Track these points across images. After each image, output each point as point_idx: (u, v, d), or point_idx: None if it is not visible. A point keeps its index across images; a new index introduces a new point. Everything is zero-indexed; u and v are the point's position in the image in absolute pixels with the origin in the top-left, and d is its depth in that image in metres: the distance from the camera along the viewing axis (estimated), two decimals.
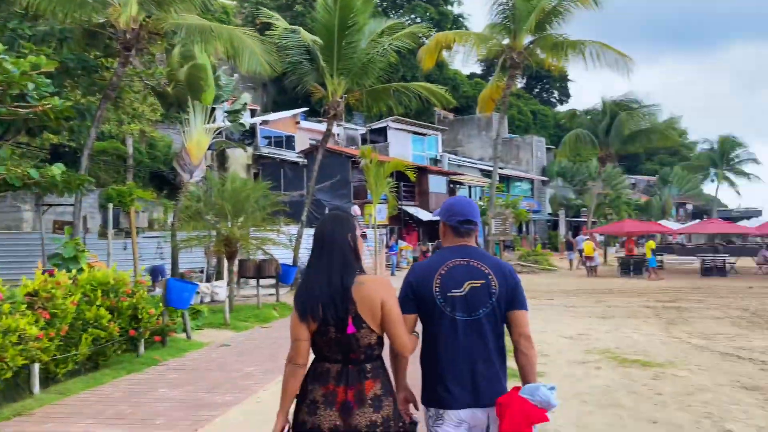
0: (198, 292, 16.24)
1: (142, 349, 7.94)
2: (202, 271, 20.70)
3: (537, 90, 73.25)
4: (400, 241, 29.39)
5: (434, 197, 32.65)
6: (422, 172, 32.67)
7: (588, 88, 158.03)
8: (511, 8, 21.57)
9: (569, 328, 10.67)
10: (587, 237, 27.30)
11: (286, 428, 2.50)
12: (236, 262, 14.76)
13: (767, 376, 6.91)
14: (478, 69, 69.42)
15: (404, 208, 30.80)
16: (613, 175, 47.71)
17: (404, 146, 35.96)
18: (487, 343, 2.59)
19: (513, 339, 2.66)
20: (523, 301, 2.68)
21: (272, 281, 15.96)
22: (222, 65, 20.19)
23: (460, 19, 48.76)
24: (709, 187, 61.68)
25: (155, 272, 14.16)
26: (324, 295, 2.45)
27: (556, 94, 75.47)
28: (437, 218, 32.56)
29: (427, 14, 45.87)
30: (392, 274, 25.00)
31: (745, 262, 27.29)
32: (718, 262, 25.20)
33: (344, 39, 16.45)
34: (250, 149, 33.82)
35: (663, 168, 60.69)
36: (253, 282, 17.85)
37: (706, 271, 24.70)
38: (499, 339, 2.66)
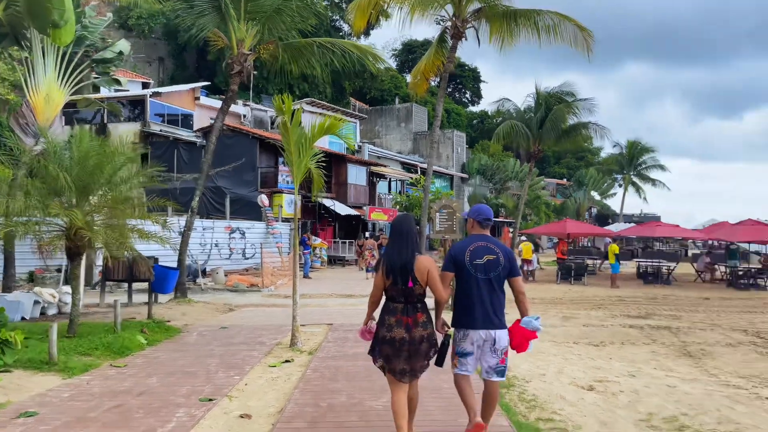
0: (38, 301, 11.81)
1: None
2: (59, 270, 15.99)
3: (450, 89, 71.70)
4: (313, 237, 25.31)
5: (353, 189, 29.15)
6: (340, 161, 29.07)
7: (498, 92, 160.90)
8: None
9: (573, 367, 7.52)
10: (524, 238, 24.84)
11: (372, 323, 4.54)
12: (98, 258, 10.61)
13: None
14: (392, 63, 66.75)
15: (318, 200, 26.98)
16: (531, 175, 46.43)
17: None
18: (495, 292, 4.46)
19: (514, 295, 4.55)
20: (518, 270, 4.61)
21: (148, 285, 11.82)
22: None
23: None
24: (617, 192, 62.43)
25: None
26: (398, 263, 4.32)
27: (468, 94, 74.49)
28: (354, 213, 29.13)
29: None
30: (305, 275, 20.69)
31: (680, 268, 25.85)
32: (657, 268, 23.49)
33: None
34: (137, 125, 28.62)
35: (576, 171, 60.68)
36: (125, 285, 13.61)
37: (646, 278, 22.91)
38: (502, 291, 4.49)
